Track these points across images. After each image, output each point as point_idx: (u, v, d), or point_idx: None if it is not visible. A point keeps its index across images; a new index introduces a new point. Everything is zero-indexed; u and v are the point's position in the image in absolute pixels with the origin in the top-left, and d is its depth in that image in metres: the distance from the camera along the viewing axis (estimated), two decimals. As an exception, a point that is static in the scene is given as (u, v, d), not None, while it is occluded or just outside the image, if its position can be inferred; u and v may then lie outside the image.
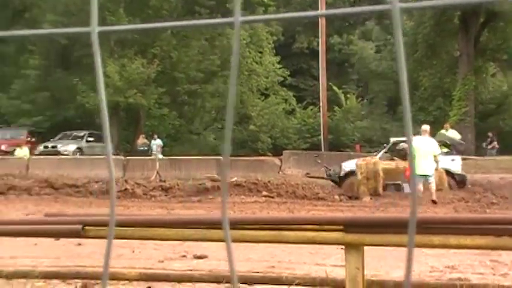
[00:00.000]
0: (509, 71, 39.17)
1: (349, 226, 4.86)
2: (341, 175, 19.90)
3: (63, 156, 28.46)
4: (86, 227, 4.94)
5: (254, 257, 7.50)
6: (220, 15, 34.32)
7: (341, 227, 4.86)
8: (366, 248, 4.90)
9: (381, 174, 18.38)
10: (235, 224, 5.15)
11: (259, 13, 35.93)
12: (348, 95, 40.37)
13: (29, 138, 32.86)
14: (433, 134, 17.62)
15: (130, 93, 33.46)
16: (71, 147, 31.09)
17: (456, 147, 20.57)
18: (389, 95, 40.98)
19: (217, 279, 5.66)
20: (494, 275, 6.90)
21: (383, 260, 7.08)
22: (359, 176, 18.58)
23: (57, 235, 5.94)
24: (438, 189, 16.51)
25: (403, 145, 20.01)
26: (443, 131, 23.39)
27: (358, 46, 43.47)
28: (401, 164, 18.61)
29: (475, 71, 32.94)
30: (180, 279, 5.73)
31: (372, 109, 40.55)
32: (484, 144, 31.73)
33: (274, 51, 40.65)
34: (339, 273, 5.72)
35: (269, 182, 19.85)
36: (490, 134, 31.93)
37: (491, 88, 38.40)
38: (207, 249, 7.84)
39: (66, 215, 5.84)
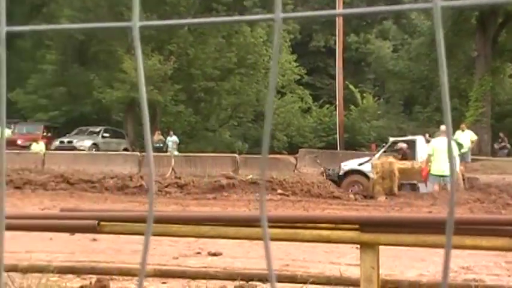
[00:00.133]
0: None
1: (365, 225, 4.84)
2: (340, 174, 20.12)
3: (78, 152, 28.59)
4: (102, 223, 4.95)
5: (269, 255, 7.48)
6: (238, 12, 34.34)
7: (356, 226, 4.84)
8: (380, 247, 4.88)
9: (397, 173, 18.34)
10: (250, 222, 5.14)
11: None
12: (365, 94, 40.23)
13: (45, 133, 33.05)
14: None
15: (147, 89, 33.48)
16: (87, 142, 31.22)
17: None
18: (405, 95, 40.83)
19: (231, 277, 5.66)
20: (509, 276, 6.86)
21: (398, 259, 7.06)
22: (374, 176, 18.55)
23: (72, 230, 5.96)
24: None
25: (401, 144, 20.17)
26: (459, 132, 23.31)
27: (375, 45, 43.29)
28: (417, 163, 18.59)
29: (492, 71, 32.68)
30: (195, 276, 5.74)
31: (388, 108, 40.37)
32: (495, 145, 31.52)
33: (291, 49, 40.59)
34: (354, 272, 5.70)
35: (284, 180, 19.83)
36: (501, 135, 31.70)
37: (508, 89, 38.10)
38: (221, 246, 7.85)
39: (81, 210, 5.86)
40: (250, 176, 21.02)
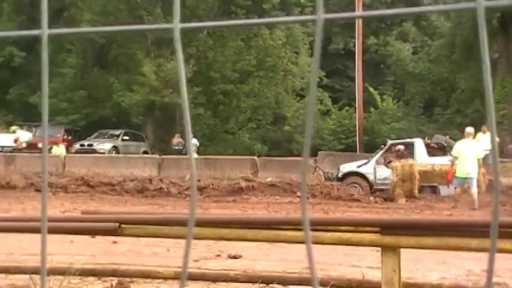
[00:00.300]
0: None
1: (386, 228, 4.81)
2: (339, 176, 20.23)
3: (98, 155, 28.74)
4: (122, 225, 4.97)
5: (289, 257, 7.47)
6: (257, 15, 34.35)
7: (377, 229, 4.82)
8: (401, 250, 4.85)
9: (417, 176, 18.25)
10: (270, 224, 5.14)
11: (295, 14, 35.88)
12: (384, 97, 40.02)
13: (65, 137, 33.25)
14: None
15: (166, 92, 33.68)
16: (107, 145, 31.37)
17: (452, 149, 20.87)
18: (425, 97, 40.58)
19: (252, 279, 5.65)
20: (533, 280, 6.77)
21: (419, 262, 7.00)
22: (394, 178, 18.47)
23: (94, 232, 5.99)
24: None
25: (399, 147, 20.29)
26: (480, 134, 23.12)
27: (395, 47, 43.08)
28: (438, 166, 18.51)
29: (514, 73, 32.42)
30: (215, 278, 5.74)
31: (408, 111, 40.13)
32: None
33: (310, 51, 40.53)
34: (374, 275, 5.67)
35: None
36: None
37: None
38: (241, 249, 7.84)
39: (102, 212, 5.89)
40: (270, 178, 21.02)
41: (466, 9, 0.75)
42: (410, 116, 39.33)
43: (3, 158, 27.40)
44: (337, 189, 18.82)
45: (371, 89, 38.78)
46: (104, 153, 29.92)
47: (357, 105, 31.51)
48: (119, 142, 32.36)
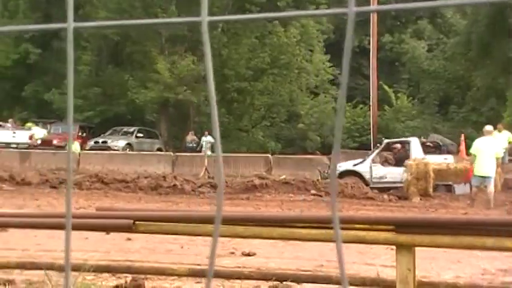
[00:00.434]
0: None
1: (400, 226, 4.79)
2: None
3: (113, 152, 28.86)
4: (137, 222, 4.98)
5: (303, 255, 7.46)
6: (272, 11, 34.31)
7: (391, 227, 4.80)
8: (416, 248, 4.82)
9: (431, 174, 18.17)
10: (284, 222, 5.13)
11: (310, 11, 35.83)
12: (399, 94, 39.86)
13: (80, 133, 33.39)
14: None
15: (180, 90, 33.76)
16: (121, 142, 31.48)
17: (448, 148, 21.00)
18: (441, 95, 40.35)
19: (266, 277, 5.64)
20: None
21: (434, 261, 6.97)
22: (409, 177, 18.40)
23: (108, 229, 6.01)
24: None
25: (395, 146, 20.47)
26: (496, 132, 22.98)
27: (410, 45, 42.86)
28: (453, 164, 18.45)
29: (530, 71, 32.15)
30: (229, 276, 5.73)
31: (422, 109, 39.92)
32: None
33: (325, 49, 40.43)
34: (389, 274, 5.64)
35: (318, 180, 19.79)
36: None
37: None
38: (255, 246, 7.84)
39: (117, 209, 5.90)
40: (283, 176, 21.02)
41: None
42: (425, 114, 39.13)
43: (18, 155, 27.60)
44: (351, 187, 18.76)
45: (385, 87, 38.62)
46: (118, 150, 30.03)
47: (371, 103, 31.40)
48: (133, 139, 32.47)
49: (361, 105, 39.52)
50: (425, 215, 13.03)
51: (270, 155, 26.20)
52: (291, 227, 4.96)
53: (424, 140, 22.04)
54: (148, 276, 5.91)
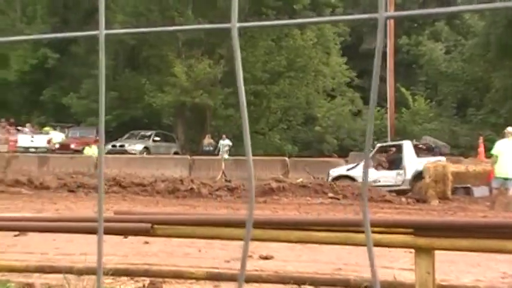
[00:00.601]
0: None
1: (419, 229, 4.76)
2: (328, 181, 20.37)
3: (130, 155, 28.98)
4: (155, 226, 4.99)
5: (320, 258, 7.43)
6: (287, 16, 34.31)
7: (410, 230, 4.77)
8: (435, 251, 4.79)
9: (450, 177, 18.07)
10: (301, 225, 5.11)
11: (326, 14, 35.80)
12: (416, 97, 39.68)
13: (97, 137, 33.49)
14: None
15: (197, 93, 33.85)
16: (138, 146, 31.61)
17: (441, 149, 21.01)
18: (458, 97, 40.08)
19: (283, 280, 5.63)
20: None
21: (453, 264, 6.91)
22: (427, 180, 18.31)
23: (126, 233, 6.02)
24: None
25: (388, 149, 20.63)
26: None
27: (427, 47, 42.64)
28: (472, 167, 18.34)
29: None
30: (246, 279, 5.72)
31: (440, 111, 39.68)
32: None
33: (341, 51, 40.37)
34: (407, 277, 5.61)
35: (335, 183, 19.74)
36: None
37: None
38: (273, 249, 7.82)
39: (135, 213, 5.92)
40: (300, 179, 20.99)
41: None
42: (443, 117, 38.90)
43: (36, 159, 27.79)
44: (369, 190, 18.70)
45: (403, 89, 38.47)
46: (135, 154, 30.15)
47: (388, 106, 31.29)
48: (150, 143, 32.59)
49: (378, 108, 39.35)
50: (444, 218, 12.95)
51: (286, 158, 26.18)
52: (309, 230, 4.95)
53: (416, 142, 22.05)
54: (166, 279, 5.92)
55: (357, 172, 20.53)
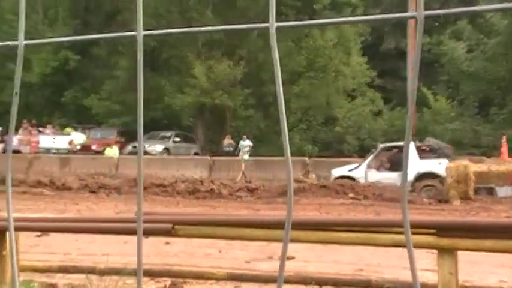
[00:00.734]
0: None
1: (442, 230, 4.71)
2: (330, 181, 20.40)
3: (150, 156, 29.08)
4: (176, 226, 4.99)
5: (342, 259, 7.40)
6: (307, 16, 34.25)
7: (432, 231, 4.73)
8: (458, 252, 4.74)
9: (472, 177, 17.90)
10: (322, 226, 5.09)
11: (346, 14, 35.69)
12: (437, 96, 39.37)
13: (118, 138, 33.72)
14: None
15: (217, 94, 33.91)
16: (159, 147, 31.71)
17: (444, 151, 20.79)
18: (481, 96, 39.69)
19: (305, 281, 5.61)
20: None
21: (476, 265, 6.85)
22: (449, 180, 18.16)
23: (148, 233, 6.04)
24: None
25: (390, 150, 20.55)
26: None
27: (449, 46, 42.29)
28: (494, 166, 18.16)
29: None
30: (267, 280, 5.71)
31: (462, 110, 39.32)
32: None
33: (362, 51, 40.19)
34: (429, 278, 5.56)
35: (356, 183, 19.66)
36: None
37: None
38: (293, 250, 7.80)
39: (156, 213, 5.93)
40: (321, 179, 20.95)
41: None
42: (465, 116, 38.55)
43: (58, 160, 28.01)
44: (390, 190, 18.60)
45: (424, 89, 38.20)
46: (155, 154, 30.24)
47: (409, 105, 31.11)
48: (170, 144, 32.68)
49: (399, 108, 39.17)
50: (466, 218, 12.84)
51: (307, 158, 26.11)
52: (330, 230, 4.92)
53: (419, 144, 21.90)
54: (187, 280, 5.93)
55: (359, 173, 20.53)
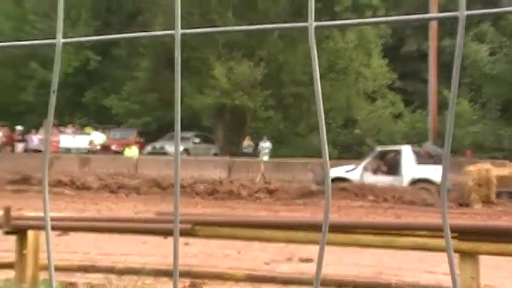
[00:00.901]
0: None
1: (464, 234, 4.66)
2: None
3: (170, 157, 29.13)
4: (196, 226, 4.98)
5: (362, 261, 7.35)
6: (328, 18, 34.15)
7: (454, 234, 4.67)
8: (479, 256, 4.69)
9: (494, 181, 17.73)
10: (342, 228, 5.05)
11: (367, 16, 35.54)
12: (460, 99, 39.03)
13: (138, 139, 33.85)
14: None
15: (237, 95, 33.92)
16: (178, 148, 31.76)
17: (440, 158, 20.61)
18: (503, 99, 39.31)
19: (324, 283, 5.56)
20: None
21: (497, 269, 6.76)
22: (470, 183, 18.00)
23: (167, 233, 6.04)
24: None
25: (387, 154, 20.44)
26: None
27: (471, 49, 41.93)
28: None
29: None
30: (286, 281, 5.69)
31: (484, 113, 38.96)
32: None
33: (383, 54, 40.00)
34: (450, 282, 5.49)
35: (375, 186, 19.56)
36: None
37: None
38: (313, 252, 7.76)
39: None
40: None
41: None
42: (487, 119, 38.21)
43: (78, 160, 28.17)
44: (410, 193, 18.48)
45: (445, 92, 37.91)
46: (175, 155, 30.27)
47: (430, 109, 30.90)
48: (190, 144, 32.73)
49: (419, 110, 38.92)
50: (488, 222, 12.71)
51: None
52: (350, 233, 4.88)
53: (417, 149, 21.78)
54: (205, 280, 5.92)
55: (355, 175, 20.46)
